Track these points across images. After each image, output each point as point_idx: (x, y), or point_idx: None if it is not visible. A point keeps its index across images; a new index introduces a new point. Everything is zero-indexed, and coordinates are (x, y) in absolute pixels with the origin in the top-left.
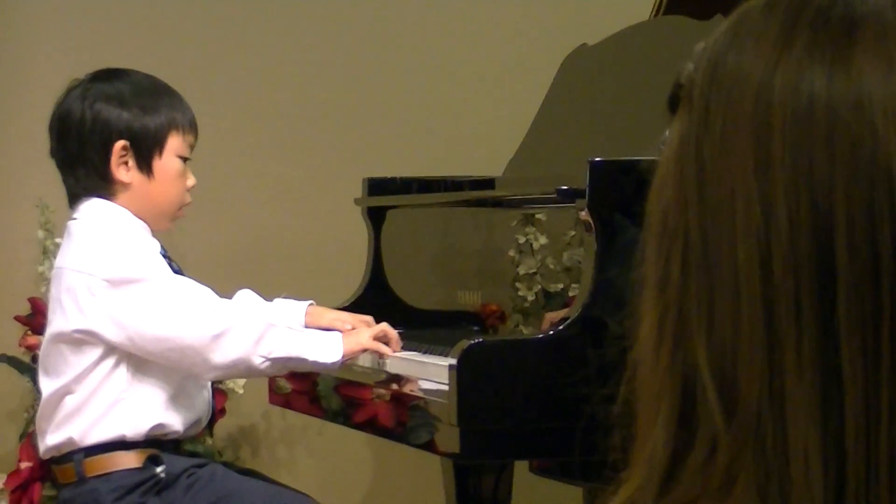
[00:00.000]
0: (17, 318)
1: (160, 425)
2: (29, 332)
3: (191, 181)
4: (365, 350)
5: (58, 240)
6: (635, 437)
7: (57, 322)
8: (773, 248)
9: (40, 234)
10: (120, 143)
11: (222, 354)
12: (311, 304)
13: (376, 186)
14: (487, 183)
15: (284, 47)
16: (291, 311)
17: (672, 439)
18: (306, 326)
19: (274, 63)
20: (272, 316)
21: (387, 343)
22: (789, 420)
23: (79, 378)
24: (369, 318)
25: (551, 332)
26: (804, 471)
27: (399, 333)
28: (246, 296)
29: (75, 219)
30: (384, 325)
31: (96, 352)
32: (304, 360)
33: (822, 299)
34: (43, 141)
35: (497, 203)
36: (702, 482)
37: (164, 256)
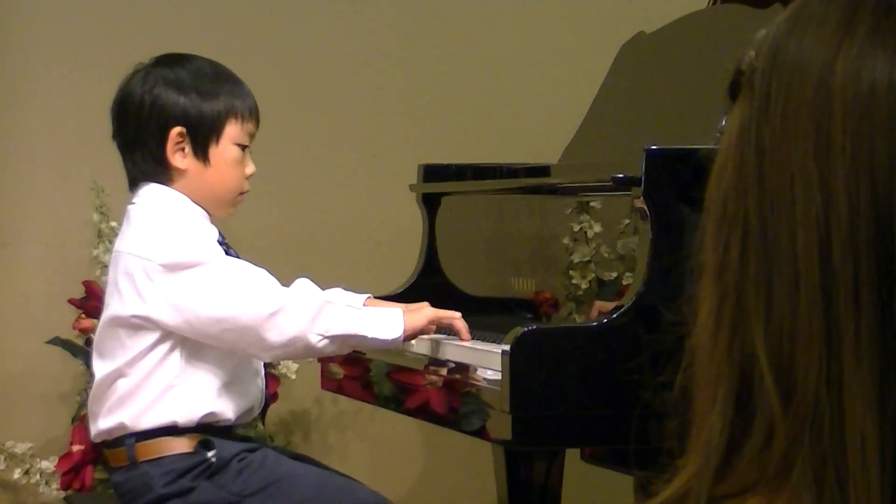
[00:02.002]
0: (71, 301)
1: (212, 413)
2: (82, 315)
3: (249, 169)
4: (426, 325)
5: (113, 223)
6: (692, 424)
7: (114, 306)
8: (832, 234)
9: (95, 217)
10: (176, 130)
11: (279, 332)
12: (368, 297)
13: (431, 173)
14: (542, 170)
15: (339, 32)
16: (349, 301)
17: (729, 426)
18: None
19: (328, 48)
20: (330, 296)
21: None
22: (846, 407)
23: (132, 362)
24: (426, 304)
25: (605, 321)
26: (861, 457)
27: None
28: (303, 283)
29: (134, 203)
30: (452, 313)
31: (152, 336)
32: (363, 338)
33: (882, 286)
34: (98, 124)
35: (552, 190)
36: (758, 469)
37: (222, 244)
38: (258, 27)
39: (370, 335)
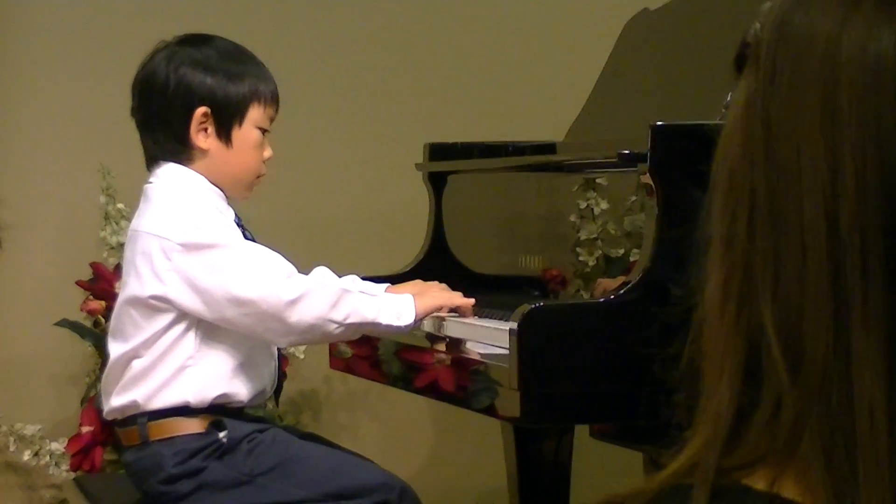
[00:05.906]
0: (78, 283)
1: (225, 395)
2: (90, 297)
3: (268, 153)
4: (437, 308)
5: (120, 205)
6: (700, 397)
7: (132, 286)
8: (839, 205)
9: (102, 199)
10: (201, 110)
11: (298, 320)
12: (388, 287)
13: (438, 151)
14: (549, 148)
15: (345, 12)
16: (367, 289)
17: (737, 397)
18: None
19: (334, 29)
20: (348, 284)
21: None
22: (855, 377)
23: (147, 342)
24: (436, 284)
25: (612, 297)
26: (869, 427)
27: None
28: (321, 272)
29: (151, 182)
30: (458, 294)
31: (168, 317)
32: (377, 325)
33: (889, 257)
34: (105, 106)
35: (558, 168)
36: (767, 440)
37: (239, 225)
38: (266, 9)
39: (384, 322)
